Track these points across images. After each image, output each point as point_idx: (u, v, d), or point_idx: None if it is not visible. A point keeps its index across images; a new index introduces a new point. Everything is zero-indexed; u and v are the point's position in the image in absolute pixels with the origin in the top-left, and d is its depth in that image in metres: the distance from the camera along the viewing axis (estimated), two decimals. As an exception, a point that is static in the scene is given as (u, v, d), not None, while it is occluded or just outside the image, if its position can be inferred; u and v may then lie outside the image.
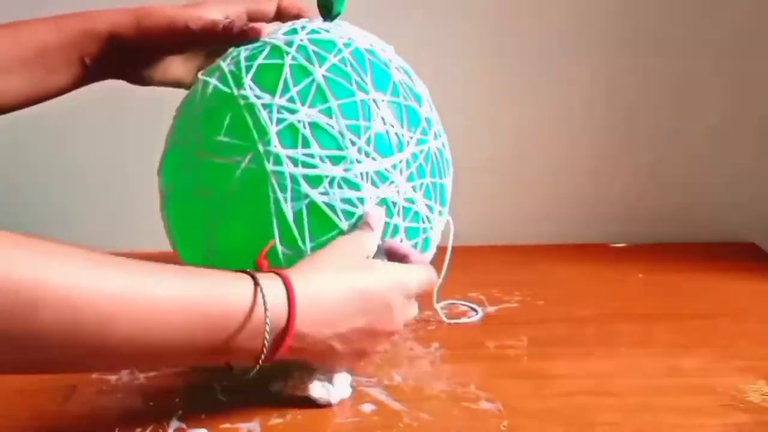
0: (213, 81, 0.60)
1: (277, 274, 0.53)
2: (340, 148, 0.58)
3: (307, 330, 0.54)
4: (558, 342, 0.72)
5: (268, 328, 0.51)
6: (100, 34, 0.65)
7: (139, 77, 0.69)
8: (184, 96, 0.65)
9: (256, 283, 0.52)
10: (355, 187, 0.58)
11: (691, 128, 0.96)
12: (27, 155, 0.95)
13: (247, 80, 0.59)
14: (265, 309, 0.51)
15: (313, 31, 0.62)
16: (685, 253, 0.92)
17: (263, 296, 0.51)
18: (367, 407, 0.61)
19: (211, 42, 0.65)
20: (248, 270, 0.53)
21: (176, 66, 0.69)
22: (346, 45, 0.61)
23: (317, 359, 0.58)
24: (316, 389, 0.61)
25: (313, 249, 0.58)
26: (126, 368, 0.55)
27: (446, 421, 0.60)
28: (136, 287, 0.48)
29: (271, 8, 0.68)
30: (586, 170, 0.97)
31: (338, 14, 0.64)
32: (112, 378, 0.66)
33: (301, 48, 0.60)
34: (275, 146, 0.57)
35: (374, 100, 0.59)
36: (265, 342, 0.52)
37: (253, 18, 0.68)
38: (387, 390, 0.64)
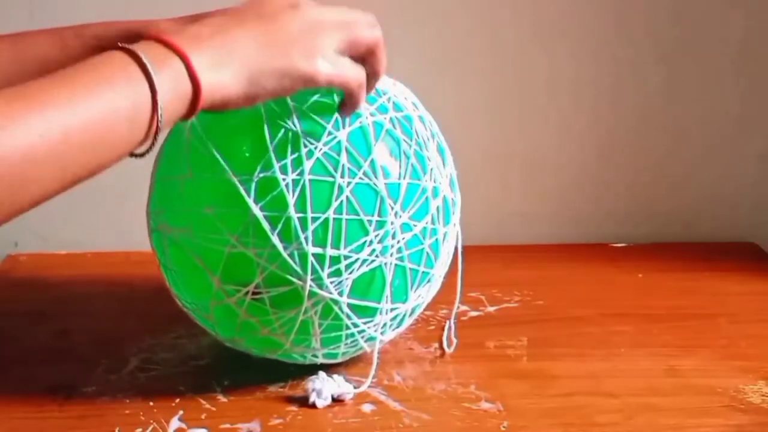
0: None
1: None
2: None
3: (193, 42, 0.50)
4: (558, 342, 0.72)
5: (143, 55, 0.48)
6: (103, 49, 0.65)
7: None
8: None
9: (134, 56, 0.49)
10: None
11: (692, 129, 0.96)
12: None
13: None
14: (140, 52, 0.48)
15: None
16: (685, 253, 0.92)
17: (147, 60, 0.48)
18: (367, 407, 0.61)
19: None
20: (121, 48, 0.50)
21: None
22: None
23: (244, 63, 0.52)
24: (314, 389, 0.61)
25: None
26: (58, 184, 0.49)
27: (446, 421, 0.60)
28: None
29: None
30: (586, 170, 0.97)
31: None
32: (112, 377, 0.66)
33: None
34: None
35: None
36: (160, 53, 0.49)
37: None
38: (387, 390, 0.64)
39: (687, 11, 0.92)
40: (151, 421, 0.59)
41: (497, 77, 0.94)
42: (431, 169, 0.61)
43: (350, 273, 0.58)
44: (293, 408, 0.61)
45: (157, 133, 0.49)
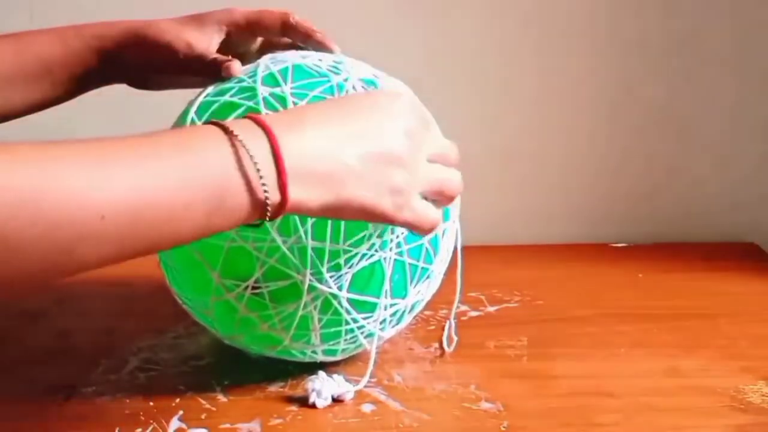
0: None
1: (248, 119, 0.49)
2: None
3: (295, 142, 0.48)
4: (558, 342, 0.72)
5: (256, 160, 0.46)
6: (102, 50, 0.65)
7: (142, 85, 0.69)
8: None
9: (231, 135, 0.47)
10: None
11: (692, 129, 0.96)
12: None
13: None
14: (247, 149, 0.46)
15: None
16: (685, 253, 0.92)
17: (238, 137, 0.46)
18: (367, 407, 0.61)
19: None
20: (215, 122, 0.48)
21: (178, 75, 0.69)
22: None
23: (340, 189, 0.50)
24: (314, 389, 0.61)
25: None
26: (114, 259, 0.47)
27: (446, 421, 0.60)
28: (104, 159, 0.43)
29: (274, 22, 0.66)
30: (587, 171, 0.97)
31: None
32: (112, 377, 0.66)
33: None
34: None
35: None
36: (261, 177, 0.47)
37: (256, 31, 0.67)
38: (387, 390, 0.64)
39: (687, 12, 0.92)
40: (151, 421, 0.59)
41: (499, 77, 0.94)
42: None
43: (350, 267, 0.58)
44: (293, 408, 0.61)
45: (234, 223, 0.48)
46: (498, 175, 0.96)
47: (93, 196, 0.42)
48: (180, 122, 0.62)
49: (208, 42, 0.65)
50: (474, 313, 0.77)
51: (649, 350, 0.70)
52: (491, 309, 0.79)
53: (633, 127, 0.96)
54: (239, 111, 0.59)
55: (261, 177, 0.47)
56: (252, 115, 0.49)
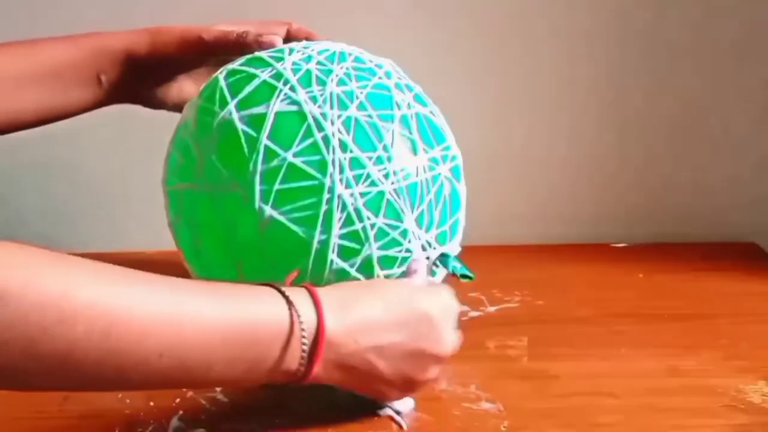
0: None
1: (303, 287, 0.53)
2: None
3: (340, 337, 0.52)
4: (558, 342, 0.72)
5: (304, 341, 0.51)
6: (116, 53, 0.66)
7: (154, 98, 0.70)
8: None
9: (288, 300, 0.51)
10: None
11: (692, 129, 0.96)
12: (32, 160, 0.95)
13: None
14: (301, 325, 0.51)
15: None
16: (685, 253, 0.92)
17: (296, 312, 0.51)
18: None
19: (225, 53, 0.65)
20: (274, 284, 0.52)
21: (189, 86, 0.70)
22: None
23: (360, 381, 0.55)
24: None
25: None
26: (156, 388, 0.54)
27: (446, 421, 0.60)
28: (172, 304, 0.47)
29: (281, 32, 0.68)
30: (587, 170, 0.97)
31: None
32: (112, 378, 0.66)
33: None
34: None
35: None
36: (303, 357, 0.51)
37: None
38: (387, 390, 0.64)
39: (688, 13, 0.92)
40: (151, 421, 0.59)
41: (498, 77, 0.94)
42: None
43: None
44: (293, 408, 0.61)
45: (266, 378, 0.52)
46: (498, 175, 0.96)
47: (156, 332, 0.46)
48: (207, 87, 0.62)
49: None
50: (474, 313, 0.77)
51: (649, 350, 0.70)
52: (491, 309, 0.79)
53: (633, 127, 0.96)
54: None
55: (302, 355, 0.51)
56: (309, 288, 0.53)
